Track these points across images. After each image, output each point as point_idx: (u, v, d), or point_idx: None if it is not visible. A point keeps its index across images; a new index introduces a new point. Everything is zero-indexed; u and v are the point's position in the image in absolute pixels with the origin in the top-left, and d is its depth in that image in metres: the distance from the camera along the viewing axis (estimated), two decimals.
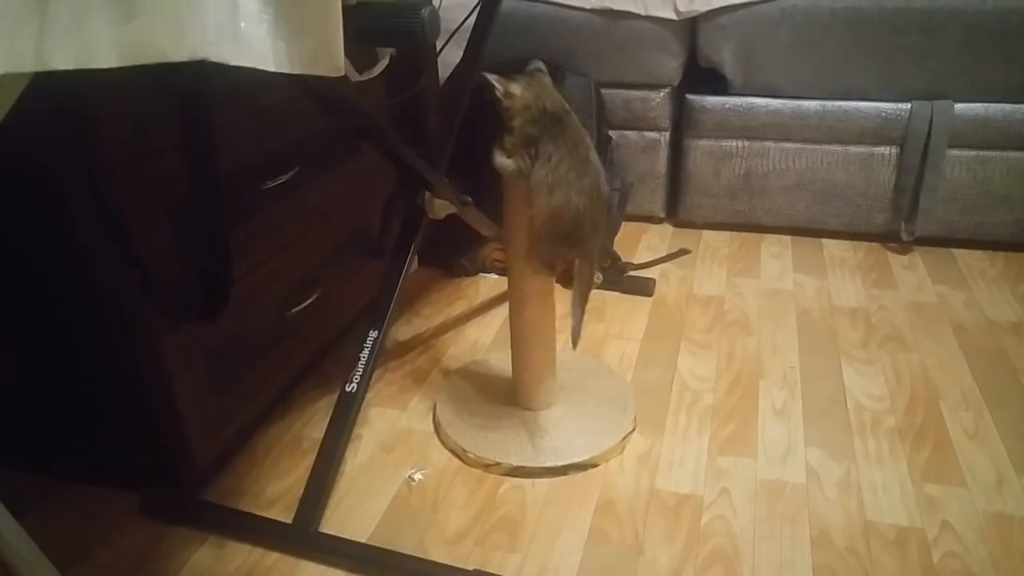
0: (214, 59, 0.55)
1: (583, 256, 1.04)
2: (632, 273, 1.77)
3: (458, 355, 1.50)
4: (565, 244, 1.01)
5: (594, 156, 1.01)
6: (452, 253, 1.79)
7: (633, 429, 1.25)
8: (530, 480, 1.16)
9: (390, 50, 1.23)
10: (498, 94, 1.00)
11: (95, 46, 0.55)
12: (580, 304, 1.07)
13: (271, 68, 0.58)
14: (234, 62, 0.56)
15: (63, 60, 0.56)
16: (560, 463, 1.17)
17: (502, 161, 1.03)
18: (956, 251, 1.85)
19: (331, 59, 0.58)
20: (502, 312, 1.64)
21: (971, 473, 1.14)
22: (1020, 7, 1.64)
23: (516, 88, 1.00)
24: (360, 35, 0.65)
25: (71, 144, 0.88)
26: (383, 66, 1.25)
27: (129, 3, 0.55)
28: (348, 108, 0.99)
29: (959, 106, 1.74)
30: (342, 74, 0.59)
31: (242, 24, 0.56)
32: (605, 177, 1.03)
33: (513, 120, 1.01)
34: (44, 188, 0.93)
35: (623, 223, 2.01)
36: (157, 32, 0.55)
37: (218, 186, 1.01)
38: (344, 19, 0.59)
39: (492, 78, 0.99)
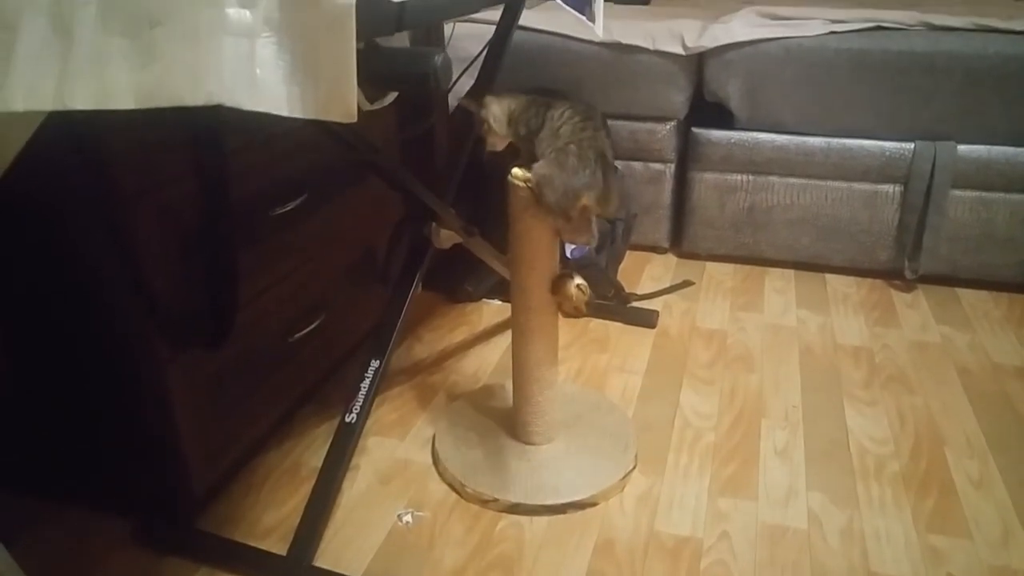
0: (229, 104, 0.56)
1: (591, 191, 1.01)
2: (635, 304, 1.77)
3: (459, 383, 1.49)
4: (574, 182, 1.00)
5: (594, 110, 1.04)
6: (455, 278, 1.79)
7: (634, 467, 1.24)
8: (528, 518, 1.15)
9: None
10: (480, 115, 1.05)
11: (114, 88, 0.56)
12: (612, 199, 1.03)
13: (285, 113, 0.58)
14: (249, 107, 0.57)
15: (82, 100, 0.56)
16: (559, 501, 1.16)
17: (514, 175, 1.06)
18: (960, 291, 1.84)
19: (345, 105, 0.59)
20: (504, 339, 1.64)
21: (976, 524, 1.13)
22: (1020, 53, 1.65)
23: (493, 104, 1.05)
24: (373, 79, 0.65)
25: (81, 171, 0.88)
26: (394, 95, 1.25)
27: (148, 48, 0.56)
28: (359, 143, 0.99)
29: (962, 147, 1.74)
30: (355, 120, 0.59)
31: (258, 70, 0.57)
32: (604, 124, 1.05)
33: (494, 133, 1.05)
34: (52, 214, 0.93)
35: (627, 252, 2.01)
36: (175, 77, 0.55)
37: (229, 215, 1.01)
38: (358, 62, 0.59)
39: (465, 103, 1.05)
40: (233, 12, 0.57)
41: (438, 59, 0.64)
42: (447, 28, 1.68)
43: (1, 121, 0.60)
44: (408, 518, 1.15)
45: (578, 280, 1.12)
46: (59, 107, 0.57)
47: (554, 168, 0.99)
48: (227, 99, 0.56)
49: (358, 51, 0.59)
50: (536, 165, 1.01)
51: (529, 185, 1.02)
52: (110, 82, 0.56)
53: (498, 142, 1.07)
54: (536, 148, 1.02)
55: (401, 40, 1.27)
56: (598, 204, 1.02)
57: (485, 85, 1.26)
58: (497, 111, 1.04)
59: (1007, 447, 1.29)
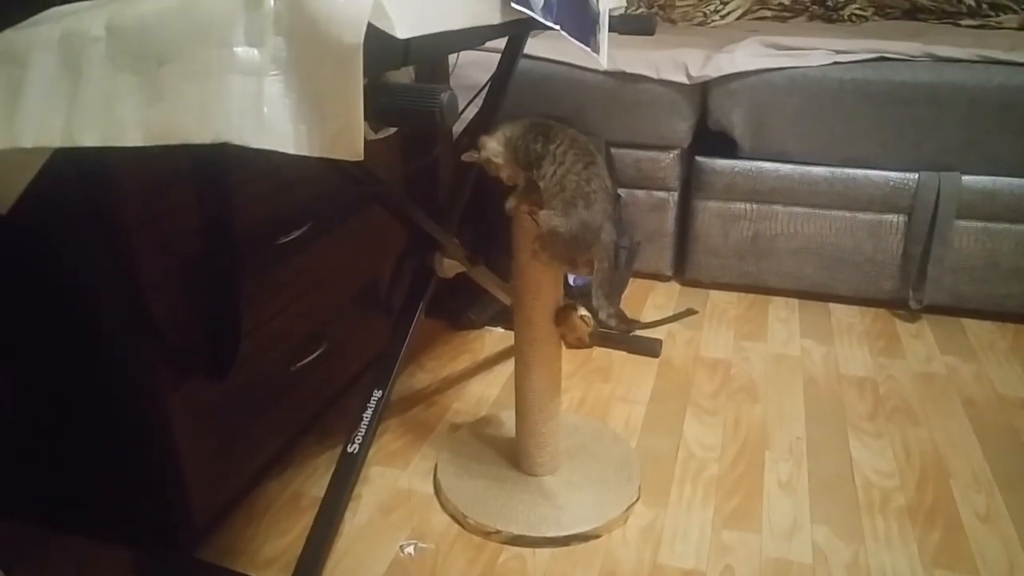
0: (236, 143, 0.56)
1: (599, 246, 1.01)
2: (638, 333, 1.76)
3: (462, 411, 1.49)
4: (583, 234, 0.99)
5: (593, 146, 1.02)
6: (458, 305, 1.79)
7: (637, 499, 1.23)
8: (531, 550, 1.14)
9: None
10: (483, 159, 1.04)
11: (122, 126, 0.57)
12: (602, 294, 1.03)
13: (291, 151, 0.59)
14: (256, 145, 0.57)
15: (91, 138, 0.57)
16: (562, 533, 1.14)
17: (509, 204, 1.06)
18: (965, 321, 1.84)
19: (351, 143, 0.59)
20: (507, 368, 1.63)
21: (983, 560, 1.11)
22: None
23: (489, 141, 1.04)
24: (379, 115, 0.66)
25: (84, 202, 0.89)
26: None
27: (156, 85, 0.57)
28: (363, 175, 1.00)
29: (967, 178, 1.75)
30: (361, 158, 0.60)
31: (265, 109, 0.57)
32: (607, 172, 1.03)
33: (501, 167, 1.04)
34: (55, 244, 0.93)
35: (631, 280, 2.01)
36: (182, 115, 0.56)
37: (233, 246, 1.02)
38: (364, 98, 0.60)
39: (468, 157, 1.04)
40: (241, 51, 0.58)
41: (444, 96, 0.64)
42: (451, 57, 1.70)
43: (10, 157, 0.61)
44: (410, 549, 1.14)
45: (582, 311, 1.12)
46: (67, 144, 0.57)
47: (561, 220, 0.98)
48: (234, 137, 0.56)
49: (364, 87, 0.60)
50: (543, 215, 1.00)
51: (533, 217, 1.02)
52: (118, 119, 0.57)
53: (513, 174, 1.06)
54: (542, 191, 1.00)
55: (406, 71, 1.29)
56: (605, 256, 1.02)
57: (489, 116, 1.27)
58: (495, 146, 1.03)
59: (1013, 480, 1.28)
